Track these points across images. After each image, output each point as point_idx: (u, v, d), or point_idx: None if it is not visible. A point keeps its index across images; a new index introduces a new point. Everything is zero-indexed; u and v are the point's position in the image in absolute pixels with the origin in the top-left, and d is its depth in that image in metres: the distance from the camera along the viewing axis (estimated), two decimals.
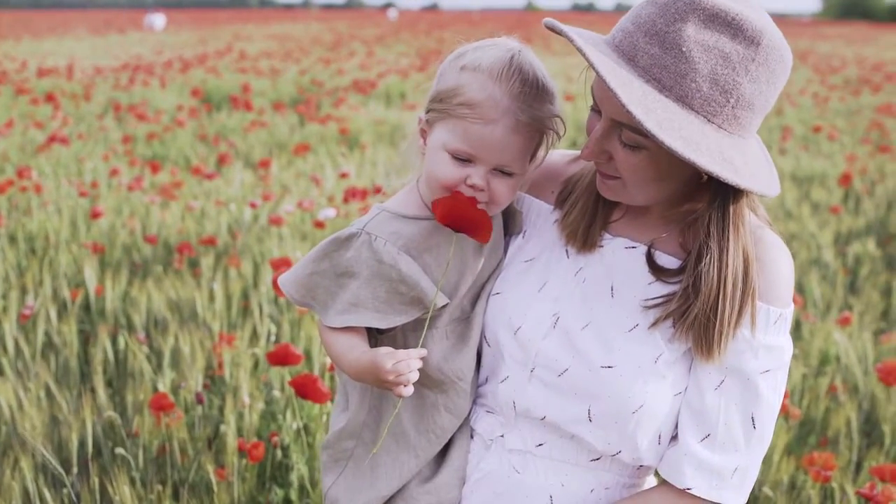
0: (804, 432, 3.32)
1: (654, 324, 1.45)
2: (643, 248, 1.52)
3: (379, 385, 1.47)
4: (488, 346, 1.58)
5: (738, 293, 1.41)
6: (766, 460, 2.84)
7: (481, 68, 1.45)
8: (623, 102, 1.26)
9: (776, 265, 1.46)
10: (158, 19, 41.41)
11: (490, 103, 1.43)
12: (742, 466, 1.46)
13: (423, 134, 1.54)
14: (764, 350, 1.44)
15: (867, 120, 11.32)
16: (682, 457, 1.46)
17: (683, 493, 1.48)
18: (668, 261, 1.50)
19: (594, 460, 1.53)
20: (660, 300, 1.46)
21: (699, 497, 1.47)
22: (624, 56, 1.35)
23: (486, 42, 1.51)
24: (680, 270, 1.47)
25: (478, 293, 1.60)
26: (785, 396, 2.84)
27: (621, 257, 1.53)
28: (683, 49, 1.30)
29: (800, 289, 5.05)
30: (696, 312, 1.41)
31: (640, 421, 1.45)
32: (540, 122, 1.47)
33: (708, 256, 1.40)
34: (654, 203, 1.48)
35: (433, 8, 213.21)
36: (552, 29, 1.36)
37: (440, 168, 1.47)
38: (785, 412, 2.96)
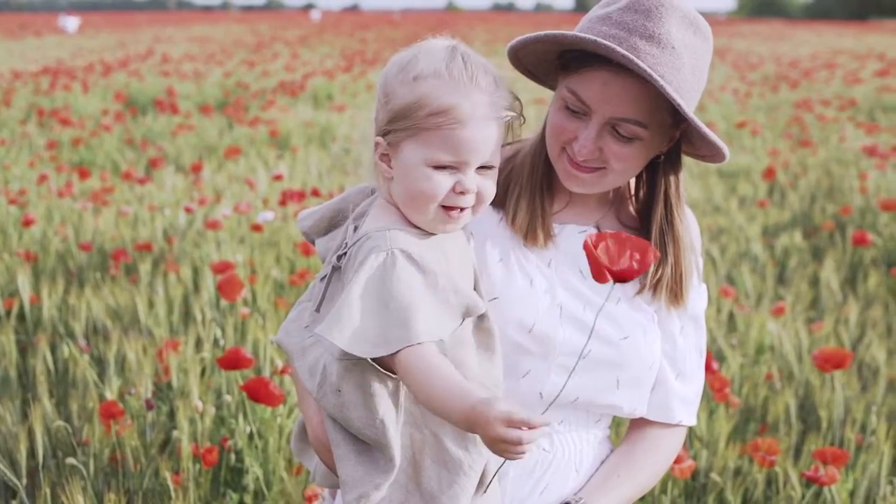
0: (744, 420, 3.41)
1: (639, 293, 1.65)
2: (592, 230, 1.68)
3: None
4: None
5: (692, 252, 1.68)
6: (711, 447, 2.92)
7: (438, 73, 1.40)
8: (673, 97, 1.43)
9: (694, 223, 1.74)
10: (71, 21, 40.59)
11: (461, 105, 1.39)
12: (699, 388, 1.75)
13: (385, 159, 1.46)
14: (701, 293, 1.74)
15: (787, 115, 11.62)
16: (670, 397, 1.70)
17: (672, 426, 1.73)
18: None
19: (598, 421, 1.71)
20: None
21: (684, 425, 1.73)
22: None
23: (420, 48, 1.46)
24: None
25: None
26: (725, 385, 2.95)
27: (577, 242, 1.64)
28: (675, 46, 1.47)
29: (731, 281, 5.18)
30: (668, 274, 1.64)
31: (652, 377, 1.67)
32: (507, 109, 1.47)
33: (672, 227, 1.64)
34: (614, 188, 1.65)
35: (354, 8, 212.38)
36: (529, 42, 1.52)
37: (427, 185, 1.41)
38: (725, 401, 3.05)
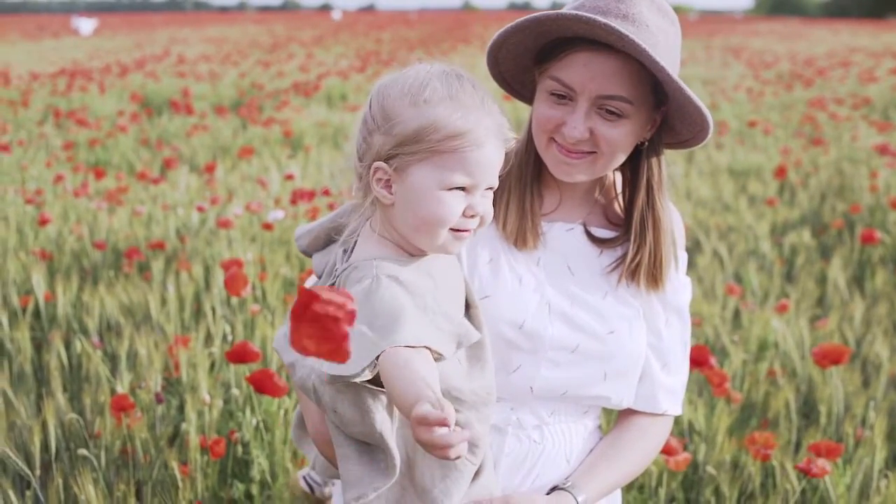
0: (745, 416, 3.45)
1: (619, 281, 1.72)
2: (580, 227, 1.75)
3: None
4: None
5: (672, 242, 1.75)
6: (710, 441, 2.96)
7: (450, 96, 1.41)
8: (654, 59, 1.48)
9: (677, 217, 1.81)
10: (85, 23, 40.66)
11: (476, 128, 1.40)
12: (684, 379, 1.82)
13: (385, 184, 1.44)
14: (685, 286, 1.81)
15: (800, 114, 11.61)
16: (655, 388, 1.77)
17: (658, 415, 1.80)
18: (602, 233, 1.76)
19: (586, 412, 1.77)
20: (616, 263, 1.72)
21: (670, 415, 1.81)
22: None
23: (417, 73, 1.44)
24: (619, 237, 1.74)
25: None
26: (724, 381, 2.99)
27: (565, 240, 1.74)
28: (649, 25, 1.55)
29: (738, 279, 5.22)
30: (647, 262, 1.71)
31: (638, 369, 1.74)
32: (509, 131, 1.49)
33: (652, 211, 1.71)
34: (604, 174, 1.71)
35: (370, 9, 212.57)
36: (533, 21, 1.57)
37: (441, 208, 1.40)
38: (726, 396, 3.09)
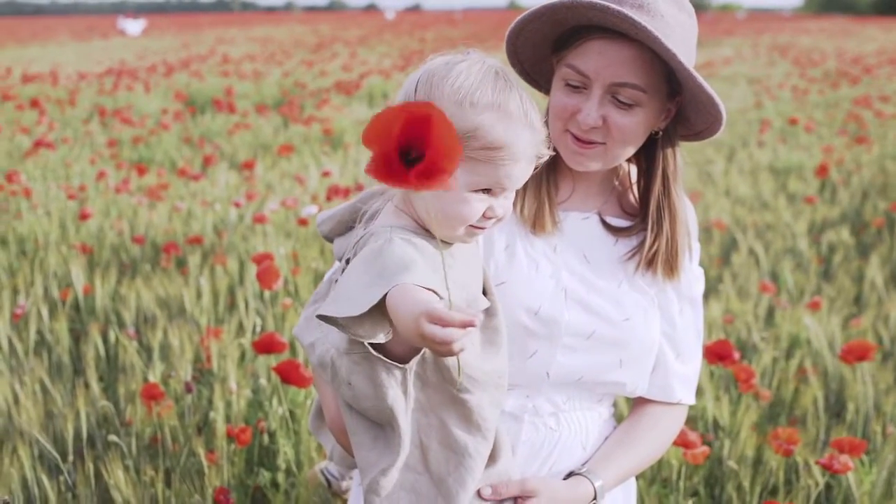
0: (775, 413, 3.44)
1: (637, 269, 1.75)
2: (595, 217, 1.78)
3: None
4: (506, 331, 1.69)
5: (687, 233, 1.78)
6: (733, 437, 2.96)
7: (497, 106, 1.40)
8: (667, 46, 1.50)
9: (691, 209, 1.84)
10: (132, 24, 41.13)
11: (516, 143, 1.41)
12: (698, 368, 1.86)
13: None
14: (699, 277, 1.84)
15: (844, 112, 11.47)
16: (670, 376, 1.80)
17: (671, 404, 1.83)
18: (618, 222, 1.79)
19: (600, 400, 1.80)
20: (633, 252, 1.75)
21: (684, 403, 1.84)
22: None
23: (470, 69, 1.43)
24: (635, 226, 1.77)
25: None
26: (751, 377, 2.97)
27: (581, 228, 1.77)
28: (664, 15, 1.56)
29: (774, 277, 5.18)
30: (664, 251, 1.74)
31: (652, 357, 1.77)
32: (545, 145, 1.49)
33: (668, 200, 1.73)
34: (618, 164, 1.72)
35: (416, 8, 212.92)
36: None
37: (464, 208, 1.43)
38: (755, 392, 3.09)
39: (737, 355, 2.85)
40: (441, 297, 1.27)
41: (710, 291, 4.75)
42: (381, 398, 1.40)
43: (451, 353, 1.17)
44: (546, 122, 1.70)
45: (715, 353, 2.84)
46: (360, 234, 1.52)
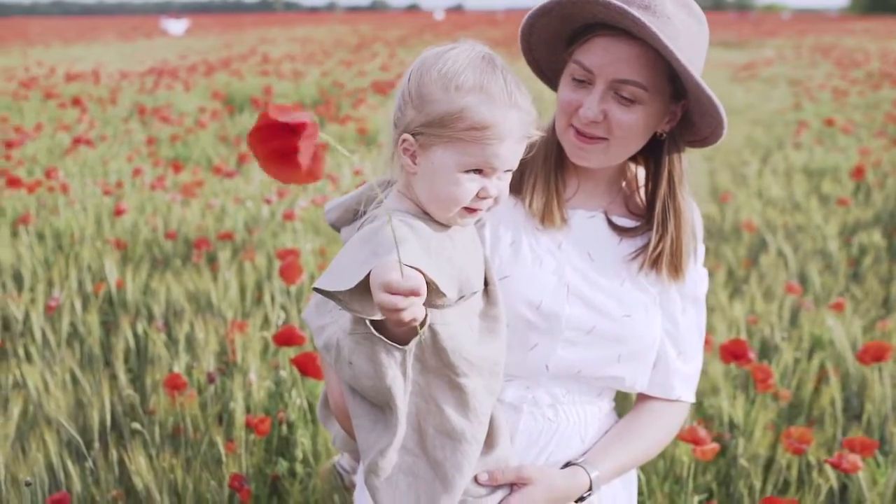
0: (794, 413, 3.44)
1: (641, 269, 1.78)
2: (601, 216, 1.82)
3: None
4: (509, 323, 1.72)
5: (692, 235, 1.81)
6: (747, 436, 2.97)
7: (481, 87, 1.47)
8: (671, 48, 1.53)
9: (697, 211, 1.86)
10: (175, 24, 41.54)
11: (501, 123, 1.47)
12: (699, 366, 1.89)
13: (411, 155, 1.52)
14: (703, 277, 1.88)
15: (884, 113, 11.34)
16: (671, 374, 1.84)
17: (672, 401, 1.87)
18: (623, 222, 1.82)
19: (600, 394, 1.83)
20: (637, 252, 1.79)
21: (684, 401, 1.88)
22: None
23: (458, 54, 1.50)
24: (640, 227, 1.80)
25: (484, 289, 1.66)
26: (769, 377, 2.98)
27: (586, 226, 1.81)
28: (671, 18, 1.58)
29: (802, 279, 5.16)
30: (668, 251, 1.77)
31: (652, 353, 1.80)
32: (534, 125, 1.55)
33: (674, 201, 1.77)
34: (620, 162, 1.76)
35: (458, 9, 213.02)
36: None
37: (456, 189, 1.49)
38: (773, 392, 3.10)
39: (753, 355, 2.86)
40: (430, 279, 1.32)
41: (735, 292, 4.74)
42: (381, 377, 1.45)
43: (404, 323, 1.27)
44: (554, 122, 1.76)
45: (730, 352, 2.86)
46: (364, 219, 1.58)
